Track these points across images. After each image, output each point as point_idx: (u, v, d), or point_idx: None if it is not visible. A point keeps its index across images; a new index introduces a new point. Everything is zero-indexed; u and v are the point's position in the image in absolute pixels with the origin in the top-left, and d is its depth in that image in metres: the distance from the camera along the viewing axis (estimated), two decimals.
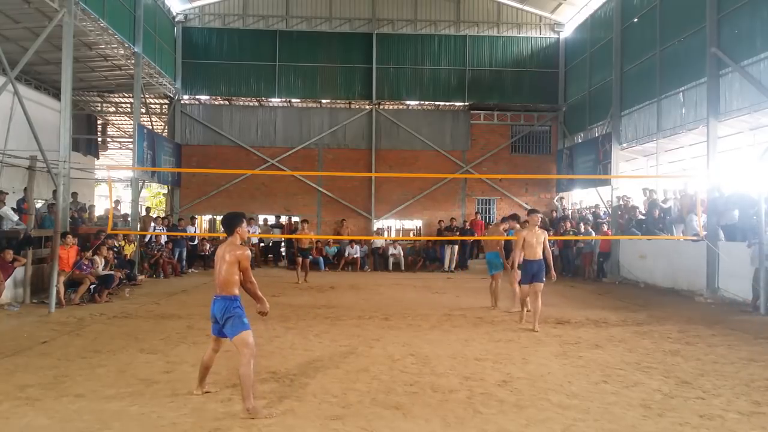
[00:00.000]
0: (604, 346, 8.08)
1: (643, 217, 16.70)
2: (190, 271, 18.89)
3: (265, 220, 22.51)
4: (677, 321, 10.21)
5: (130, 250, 15.68)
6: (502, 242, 12.06)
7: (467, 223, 21.99)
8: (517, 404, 5.43)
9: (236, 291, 5.33)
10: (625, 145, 18.47)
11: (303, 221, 17.10)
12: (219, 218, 23.80)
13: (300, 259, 16.49)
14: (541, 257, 9.53)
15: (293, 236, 17.36)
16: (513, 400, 5.56)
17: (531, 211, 9.90)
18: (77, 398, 5.44)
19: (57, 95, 17.07)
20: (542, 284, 9.36)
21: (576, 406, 5.39)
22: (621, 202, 18.26)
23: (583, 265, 18.49)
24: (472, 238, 20.45)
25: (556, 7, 22.99)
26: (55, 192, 12.65)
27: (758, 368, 6.83)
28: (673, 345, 8.16)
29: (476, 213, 22.71)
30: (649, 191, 16.95)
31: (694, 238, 13.38)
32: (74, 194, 18.17)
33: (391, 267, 20.99)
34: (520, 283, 9.91)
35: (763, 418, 5.10)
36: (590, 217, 19.92)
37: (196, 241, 19.86)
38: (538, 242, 9.50)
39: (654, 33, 16.72)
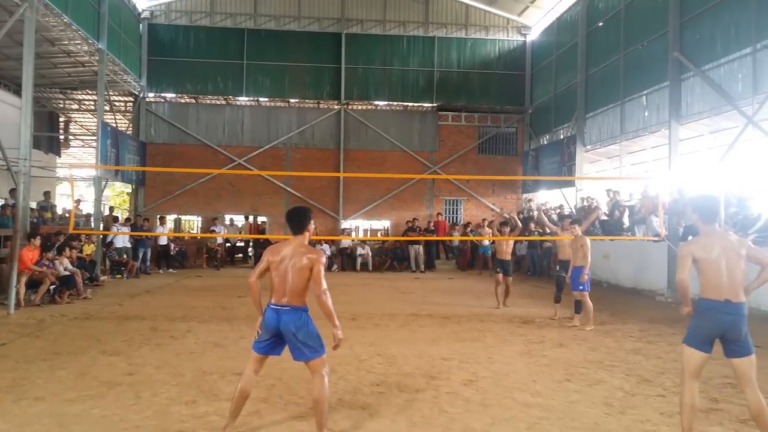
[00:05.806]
0: (567, 345, 8.20)
1: (606, 218, 16.97)
2: (160, 271, 18.60)
3: (231, 220, 22.23)
4: (639, 320, 10.43)
5: (89, 250, 15.34)
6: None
7: (431, 224, 22.11)
8: (483, 403, 5.48)
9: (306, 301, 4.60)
10: (589, 147, 18.79)
11: (491, 222, 14.43)
12: (184, 218, 23.50)
13: (501, 276, 11.83)
14: None
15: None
16: (478, 399, 5.61)
17: None
18: (37, 401, 5.31)
19: (18, 91, 16.64)
20: None
21: (540, 404, 5.46)
22: (585, 203, 18.54)
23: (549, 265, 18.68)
24: (435, 238, 20.60)
25: (524, 10, 23.24)
26: (12, 191, 12.33)
27: (716, 366, 6.96)
28: (634, 344, 8.33)
29: (438, 214, 22.84)
30: (612, 192, 17.25)
31: (655, 238, 13.65)
32: (47, 193, 17.77)
33: (359, 267, 20.97)
34: None
35: (721, 415, 5.24)
36: (555, 217, 20.16)
37: (166, 241, 19.49)
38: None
39: (618, 37, 17.03)
